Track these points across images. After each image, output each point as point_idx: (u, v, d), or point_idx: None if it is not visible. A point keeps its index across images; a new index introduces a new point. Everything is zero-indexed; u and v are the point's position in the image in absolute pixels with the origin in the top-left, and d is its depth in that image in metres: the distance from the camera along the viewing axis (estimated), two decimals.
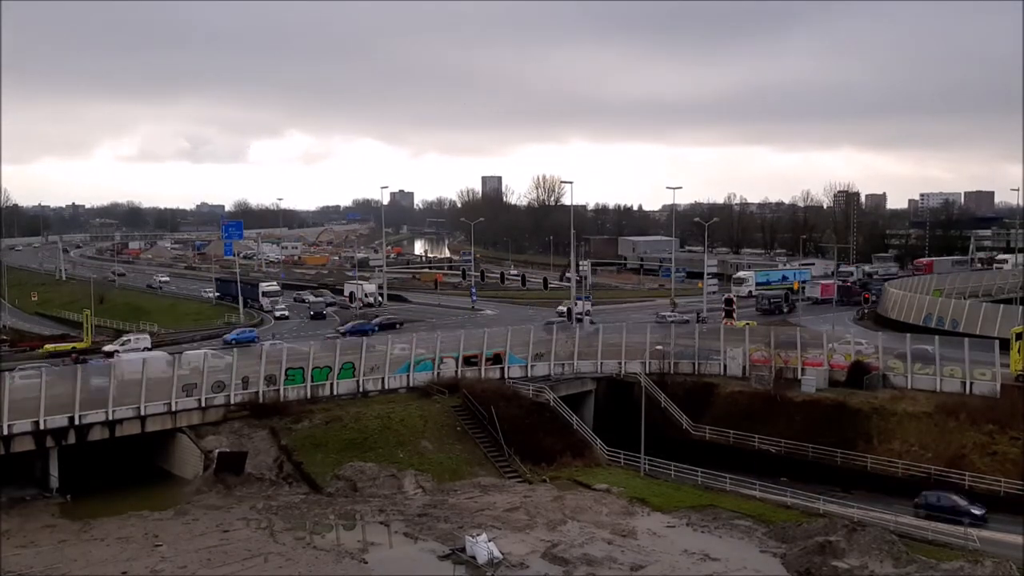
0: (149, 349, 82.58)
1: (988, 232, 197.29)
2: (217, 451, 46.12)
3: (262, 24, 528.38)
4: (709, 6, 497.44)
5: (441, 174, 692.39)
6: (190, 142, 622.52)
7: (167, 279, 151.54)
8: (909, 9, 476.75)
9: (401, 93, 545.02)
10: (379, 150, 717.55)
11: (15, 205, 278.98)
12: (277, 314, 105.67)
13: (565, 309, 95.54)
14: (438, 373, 56.48)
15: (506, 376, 57.82)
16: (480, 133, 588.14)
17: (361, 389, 54.17)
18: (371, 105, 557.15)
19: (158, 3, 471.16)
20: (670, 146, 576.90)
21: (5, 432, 43.46)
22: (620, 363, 60.75)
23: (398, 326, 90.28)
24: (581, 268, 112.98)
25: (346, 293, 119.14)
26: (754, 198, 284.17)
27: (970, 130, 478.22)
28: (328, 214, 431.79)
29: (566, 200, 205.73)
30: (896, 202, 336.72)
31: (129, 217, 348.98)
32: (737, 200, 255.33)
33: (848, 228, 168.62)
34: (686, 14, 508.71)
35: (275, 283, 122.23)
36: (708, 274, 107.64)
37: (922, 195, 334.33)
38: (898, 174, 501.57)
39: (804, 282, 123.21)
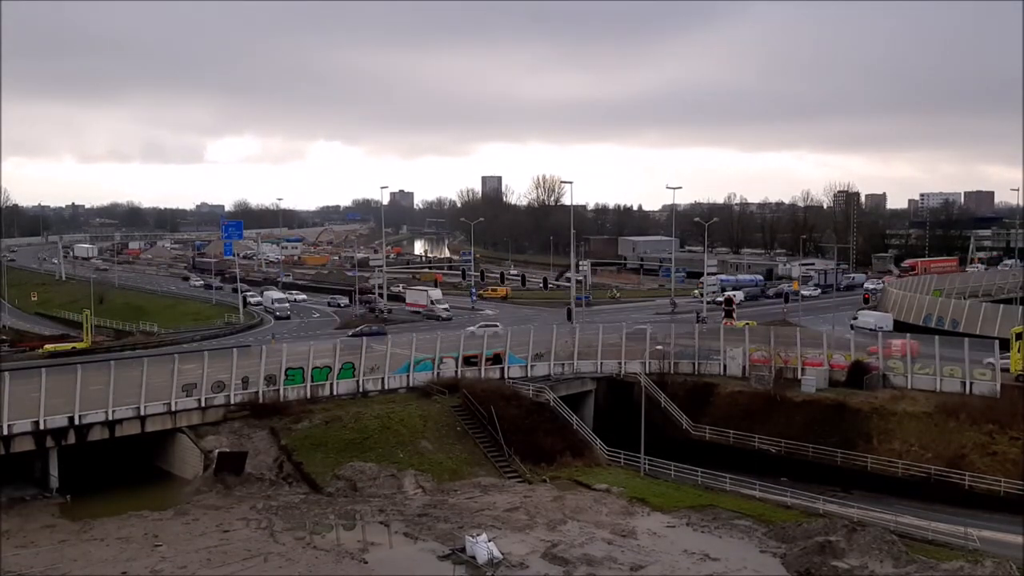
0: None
1: (988, 232, 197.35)
2: (217, 451, 46.09)
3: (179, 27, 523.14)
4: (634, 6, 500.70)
5: (439, 175, 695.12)
6: (144, 143, 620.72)
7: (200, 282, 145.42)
8: (852, 9, 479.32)
9: (339, 95, 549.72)
10: (337, 150, 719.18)
11: (15, 205, 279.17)
12: (278, 314, 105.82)
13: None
14: (438, 373, 56.45)
15: (506, 376, 57.80)
16: (436, 133, 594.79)
17: (361, 389, 54.16)
18: (318, 107, 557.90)
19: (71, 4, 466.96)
20: (626, 147, 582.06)
21: (5, 432, 43.46)
22: (620, 363, 60.73)
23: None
24: (581, 268, 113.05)
25: (409, 301, 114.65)
26: (754, 198, 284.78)
27: (934, 131, 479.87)
28: (328, 214, 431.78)
29: (566, 200, 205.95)
30: (896, 202, 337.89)
31: (129, 217, 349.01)
32: (737, 200, 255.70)
33: (848, 228, 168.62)
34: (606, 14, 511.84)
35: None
36: (708, 274, 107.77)
37: (922, 195, 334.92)
38: (869, 175, 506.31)
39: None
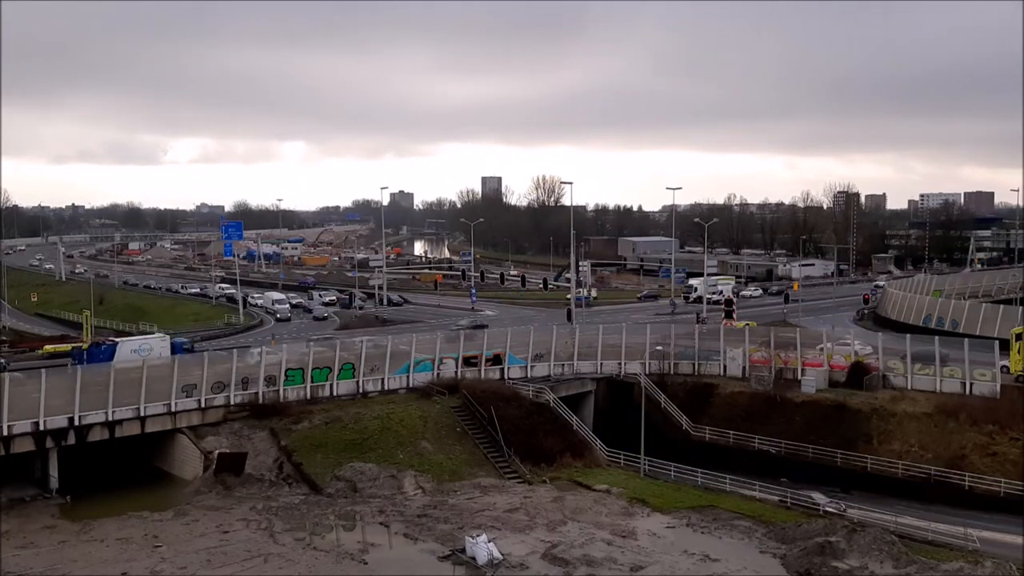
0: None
1: (988, 232, 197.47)
2: (217, 452, 46.09)
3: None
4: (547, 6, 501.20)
5: (435, 175, 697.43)
6: (98, 143, 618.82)
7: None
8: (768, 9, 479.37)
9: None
10: (300, 151, 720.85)
11: (15, 206, 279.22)
12: (279, 316, 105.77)
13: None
14: (438, 374, 56.42)
15: (506, 377, 57.80)
16: (389, 134, 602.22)
17: (361, 390, 54.16)
18: (258, 109, 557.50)
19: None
20: (585, 148, 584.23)
21: (5, 432, 43.45)
22: (620, 363, 60.71)
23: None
24: (581, 268, 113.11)
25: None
26: (754, 199, 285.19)
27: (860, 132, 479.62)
28: (328, 215, 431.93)
29: (566, 201, 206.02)
30: (896, 203, 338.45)
31: (129, 218, 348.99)
32: (737, 201, 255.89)
33: (848, 229, 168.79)
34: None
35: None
36: (708, 274, 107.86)
37: (922, 196, 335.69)
38: (842, 175, 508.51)
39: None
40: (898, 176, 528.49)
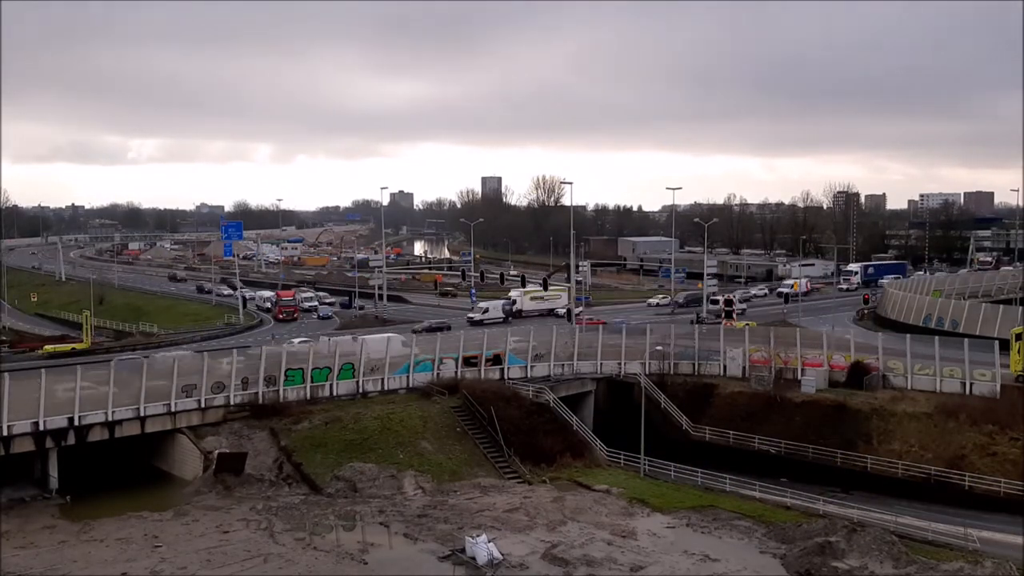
0: None
1: (988, 233, 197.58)
2: (217, 452, 46.07)
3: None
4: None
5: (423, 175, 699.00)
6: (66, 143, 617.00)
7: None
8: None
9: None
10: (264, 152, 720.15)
11: (15, 206, 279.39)
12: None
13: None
14: (438, 374, 56.41)
15: (506, 377, 57.79)
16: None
17: (361, 390, 54.14)
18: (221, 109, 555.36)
19: None
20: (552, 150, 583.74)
21: (5, 433, 43.43)
22: (620, 364, 60.70)
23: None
24: (580, 268, 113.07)
25: None
26: (754, 199, 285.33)
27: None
28: (328, 215, 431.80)
29: (566, 201, 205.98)
30: (895, 203, 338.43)
31: (129, 218, 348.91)
32: (737, 201, 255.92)
33: (848, 229, 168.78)
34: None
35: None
36: (708, 275, 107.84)
37: (922, 196, 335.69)
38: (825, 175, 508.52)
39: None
40: (872, 176, 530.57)
